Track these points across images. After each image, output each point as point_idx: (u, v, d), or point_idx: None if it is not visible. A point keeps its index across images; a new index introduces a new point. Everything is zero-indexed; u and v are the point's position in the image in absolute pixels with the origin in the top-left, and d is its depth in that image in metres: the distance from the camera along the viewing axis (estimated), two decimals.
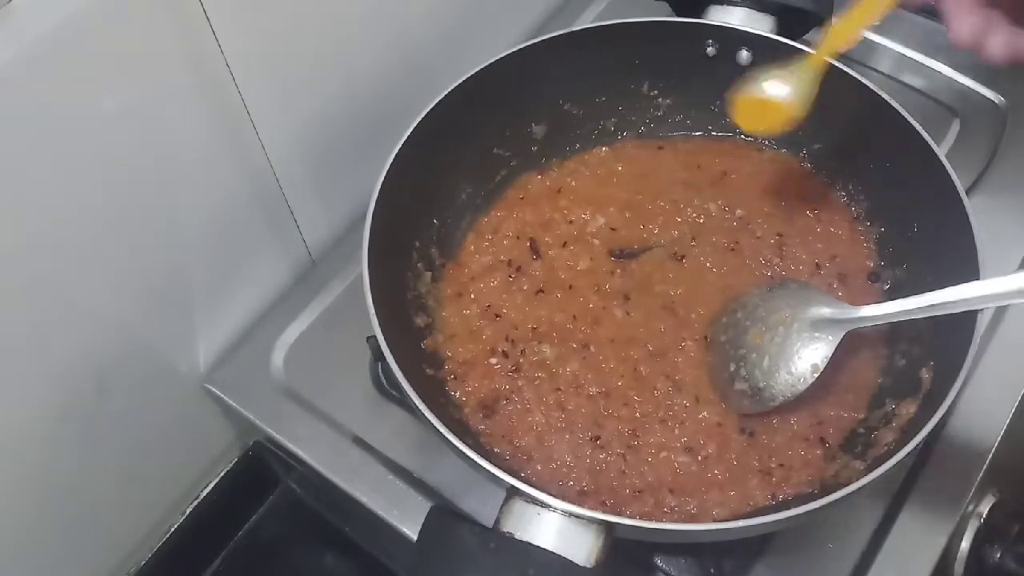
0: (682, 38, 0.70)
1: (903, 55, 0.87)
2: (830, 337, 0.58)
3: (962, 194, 0.58)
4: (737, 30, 0.69)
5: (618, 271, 0.68)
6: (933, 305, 0.53)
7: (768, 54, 0.67)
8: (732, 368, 0.61)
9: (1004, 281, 0.50)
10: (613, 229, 0.70)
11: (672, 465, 0.59)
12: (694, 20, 0.71)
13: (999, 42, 0.48)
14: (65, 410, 0.60)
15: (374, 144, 0.65)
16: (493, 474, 0.50)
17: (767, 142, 0.74)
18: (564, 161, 0.75)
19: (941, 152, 0.60)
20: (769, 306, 0.61)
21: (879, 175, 0.67)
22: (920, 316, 0.54)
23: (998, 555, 0.64)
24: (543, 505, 0.49)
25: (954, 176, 0.59)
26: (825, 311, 0.59)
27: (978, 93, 0.84)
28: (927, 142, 0.61)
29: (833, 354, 0.58)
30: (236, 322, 0.74)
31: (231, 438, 0.77)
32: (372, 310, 0.56)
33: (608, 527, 0.49)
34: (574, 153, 0.75)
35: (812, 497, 0.52)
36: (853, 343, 0.63)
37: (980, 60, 0.49)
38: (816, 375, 0.58)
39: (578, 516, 0.49)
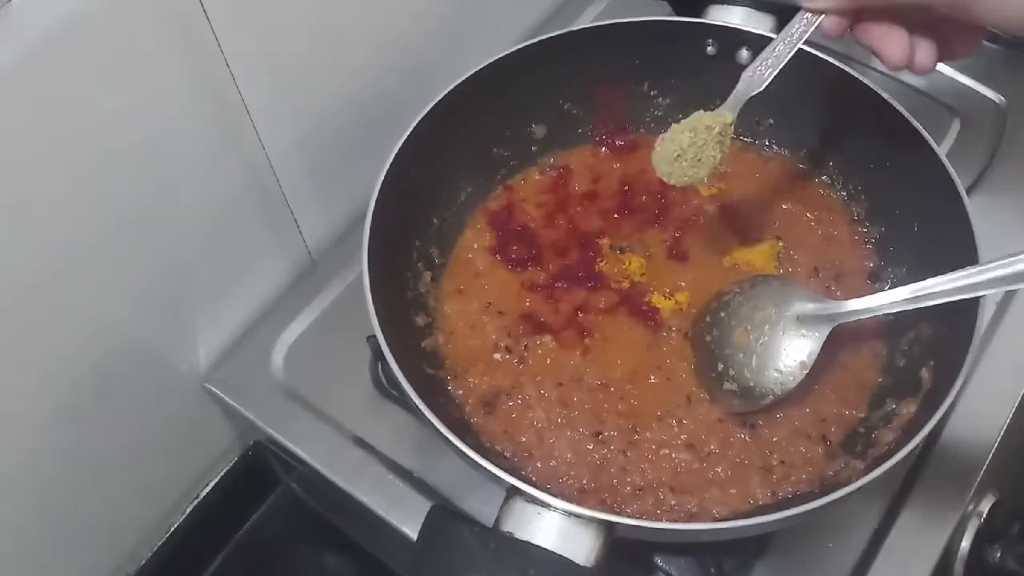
0: (682, 38, 0.70)
1: None
2: (816, 333, 0.58)
3: (962, 194, 0.58)
4: (737, 29, 0.69)
5: (618, 269, 0.68)
6: (917, 296, 0.54)
7: None
8: (720, 368, 0.61)
9: (987, 269, 0.51)
10: (613, 229, 0.70)
11: (673, 462, 0.59)
12: (694, 20, 0.71)
13: (925, 55, 0.53)
14: (65, 410, 0.60)
15: (374, 144, 0.65)
16: (493, 473, 0.50)
17: (767, 143, 0.74)
18: (564, 161, 0.75)
19: (941, 152, 0.60)
20: (752, 304, 0.61)
21: (879, 175, 0.67)
22: (905, 308, 0.55)
23: (998, 555, 0.64)
24: (543, 505, 0.49)
25: (954, 176, 0.59)
26: (809, 307, 0.59)
27: (978, 93, 0.83)
28: (927, 142, 0.61)
29: (822, 350, 0.58)
30: (236, 322, 0.74)
31: (231, 438, 0.77)
32: (372, 310, 0.56)
33: (608, 527, 0.49)
34: (574, 153, 0.75)
35: (812, 496, 0.52)
36: (852, 341, 0.63)
37: (915, 74, 0.54)
38: (805, 372, 0.58)
39: (578, 516, 0.49)
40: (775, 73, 0.57)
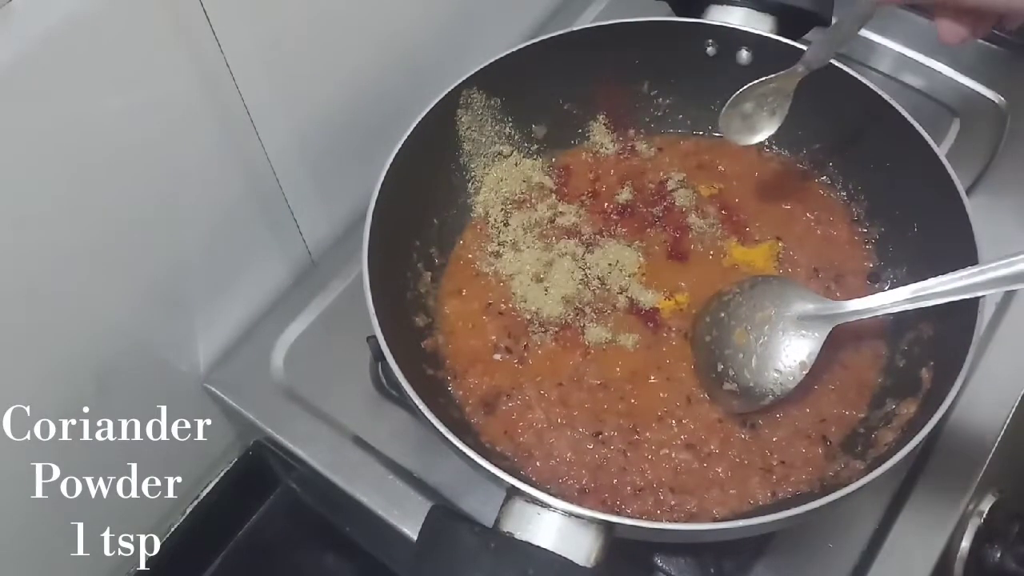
0: (682, 38, 0.70)
1: (903, 55, 0.87)
2: (816, 334, 0.59)
3: (962, 194, 0.58)
4: (737, 30, 0.69)
5: (618, 268, 0.68)
6: (917, 297, 0.54)
7: (768, 54, 0.67)
8: (720, 368, 0.61)
9: (987, 269, 0.51)
10: (613, 228, 0.70)
11: (673, 462, 0.59)
12: (694, 20, 0.71)
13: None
14: (65, 409, 0.60)
15: (374, 144, 0.65)
16: (493, 474, 0.50)
17: (767, 143, 0.74)
18: (564, 161, 0.75)
19: (941, 152, 0.60)
20: (752, 304, 0.61)
21: (879, 175, 0.67)
22: (905, 308, 0.55)
23: (998, 555, 0.64)
24: (543, 505, 0.49)
25: (954, 176, 0.59)
26: (809, 307, 0.59)
27: (978, 93, 0.84)
28: (927, 142, 0.61)
29: (822, 350, 0.58)
30: (236, 322, 0.74)
31: (231, 438, 0.77)
32: (372, 310, 0.56)
33: (608, 527, 0.49)
34: (575, 153, 0.75)
35: (812, 496, 0.52)
36: (852, 341, 0.63)
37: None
38: (805, 372, 0.58)
39: (578, 516, 0.49)
40: (837, 49, 0.61)
